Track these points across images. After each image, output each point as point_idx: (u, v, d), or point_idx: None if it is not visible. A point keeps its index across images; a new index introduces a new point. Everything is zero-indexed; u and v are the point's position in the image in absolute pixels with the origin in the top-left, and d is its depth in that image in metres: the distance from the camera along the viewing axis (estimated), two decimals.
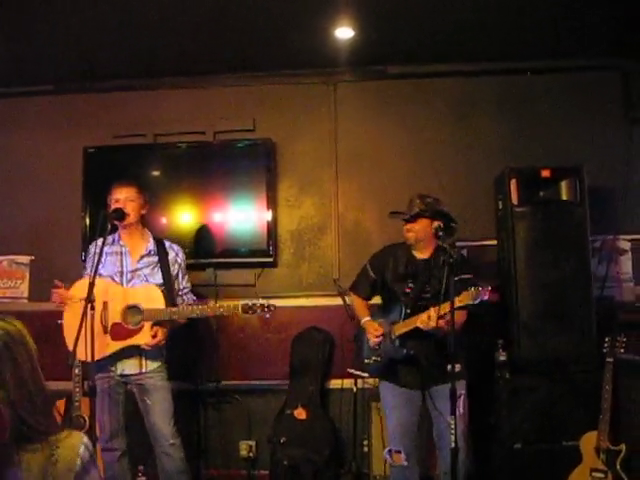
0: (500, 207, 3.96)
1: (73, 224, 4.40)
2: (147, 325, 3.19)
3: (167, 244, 3.45)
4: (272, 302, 3.23)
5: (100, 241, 3.13)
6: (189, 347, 4.06)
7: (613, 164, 4.26)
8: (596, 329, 3.66)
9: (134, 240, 3.39)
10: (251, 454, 4.28)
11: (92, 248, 3.36)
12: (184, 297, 3.44)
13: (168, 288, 3.31)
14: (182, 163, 4.48)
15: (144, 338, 3.19)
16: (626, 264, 4.29)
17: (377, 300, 3.56)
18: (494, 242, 4.13)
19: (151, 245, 3.40)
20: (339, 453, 4.14)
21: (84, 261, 3.63)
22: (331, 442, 4.01)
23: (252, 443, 4.30)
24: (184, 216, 4.39)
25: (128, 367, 3.28)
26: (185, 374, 4.13)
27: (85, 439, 1.37)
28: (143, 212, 3.41)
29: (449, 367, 2.86)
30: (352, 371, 3.66)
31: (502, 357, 3.74)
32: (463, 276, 3.10)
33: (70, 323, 3.15)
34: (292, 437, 3.94)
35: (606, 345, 3.42)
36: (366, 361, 3.36)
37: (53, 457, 1.28)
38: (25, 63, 4.21)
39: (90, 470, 1.34)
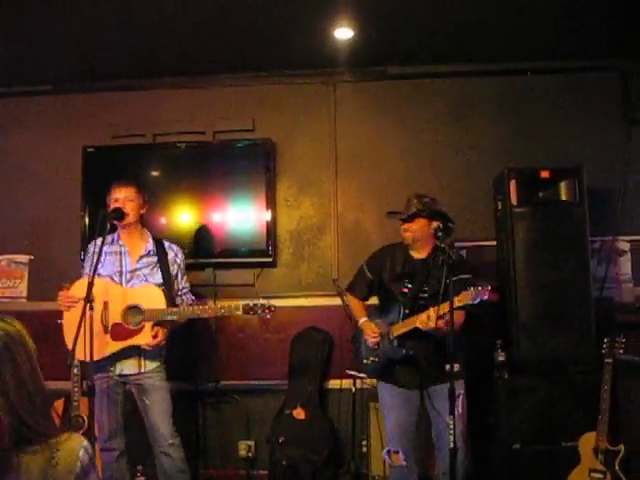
0: (499, 207, 3.96)
1: (72, 224, 4.40)
2: (148, 325, 3.19)
3: (166, 244, 3.45)
4: (271, 302, 3.23)
5: (99, 240, 3.14)
6: (188, 347, 4.07)
7: (612, 165, 4.26)
8: (595, 330, 3.65)
9: (133, 240, 3.39)
10: (250, 454, 4.28)
11: (91, 247, 3.36)
12: (183, 297, 3.44)
13: (168, 288, 3.31)
14: (181, 163, 4.48)
15: (145, 338, 3.19)
16: (625, 265, 4.29)
17: (373, 301, 3.56)
18: (493, 243, 4.13)
19: (150, 245, 3.40)
20: (338, 453, 4.15)
21: (83, 260, 3.63)
22: (330, 442, 4.01)
23: (251, 443, 4.30)
24: (183, 216, 4.39)
25: (127, 367, 3.28)
26: (184, 374, 4.14)
27: (85, 442, 1.37)
28: (142, 212, 3.41)
29: (447, 367, 2.86)
30: (351, 372, 3.67)
31: (501, 357, 3.74)
32: (462, 276, 3.10)
33: (70, 323, 3.15)
34: (291, 437, 3.94)
35: (605, 346, 3.42)
36: (364, 362, 3.36)
37: (53, 460, 1.29)
38: (25, 63, 4.21)
39: (89, 473, 1.35)
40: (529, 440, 3.58)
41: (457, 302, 2.90)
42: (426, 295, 3.22)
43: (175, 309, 3.24)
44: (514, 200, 3.80)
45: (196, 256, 4.23)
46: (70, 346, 2.91)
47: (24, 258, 4.57)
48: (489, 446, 3.71)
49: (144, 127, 4.56)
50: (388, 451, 3.26)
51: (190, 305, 3.37)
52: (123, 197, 3.30)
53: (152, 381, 3.30)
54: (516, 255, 3.76)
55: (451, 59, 4.32)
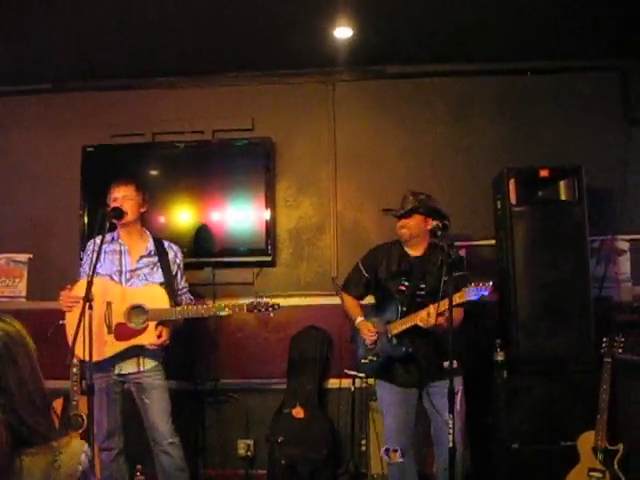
0: (499, 207, 3.96)
1: (71, 223, 4.39)
2: (151, 325, 3.19)
3: (166, 244, 3.45)
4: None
5: (99, 239, 3.12)
6: (188, 346, 4.06)
7: (612, 164, 4.26)
8: (594, 329, 3.66)
9: (133, 239, 3.39)
10: (249, 453, 4.28)
11: (90, 245, 3.32)
12: (182, 297, 3.44)
13: (170, 287, 3.31)
14: (181, 162, 4.48)
15: (149, 338, 3.18)
16: (624, 264, 4.29)
17: (368, 300, 3.57)
18: (493, 242, 4.13)
19: (151, 245, 3.39)
20: (337, 452, 4.15)
21: (82, 259, 3.62)
22: (329, 441, 4.01)
23: (250, 442, 4.30)
24: (182, 215, 4.39)
25: (126, 366, 3.28)
26: (184, 373, 4.15)
27: (86, 447, 1.38)
28: (142, 210, 3.40)
29: (446, 364, 2.87)
30: (349, 372, 3.67)
31: (500, 357, 3.74)
32: (459, 273, 3.12)
33: (72, 323, 3.14)
34: (290, 436, 3.95)
35: (604, 345, 3.43)
36: (362, 361, 3.35)
37: (56, 462, 1.30)
38: (25, 63, 4.21)
39: (89, 477, 1.36)
40: (528, 440, 3.58)
41: (458, 299, 2.91)
42: (423, 292, 3.23)
43: (179, 308, 3.24)
44: (513, 199, 3.81)
45: (195, 255, 4.23)
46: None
47: (23, 257, 4.57)
48: (488, 445, 3.72)
49: (143, 126, 4.56)
50: (387, 449, 3.27)
51: (193, 304, 3.37)
52: (122, 196, 3.30)
53: (151, 380, 3.30)
54: (515, 254, 3.76)
55: (451, 59, 4.32)
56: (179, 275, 3.43)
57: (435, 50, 4.19)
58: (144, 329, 3.19)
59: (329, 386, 4.29)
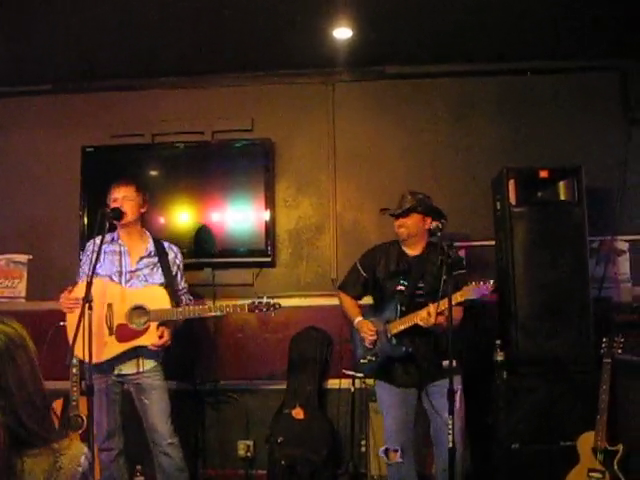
0: (498, 207, 3.96)
1: (71, 223, 4.39)
2: (153, 325, 3.19)
3: (166, 245, 3.45)
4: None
5: (98, 239, 3.11)
6: (187, 347, 4.06)
7: (611, 165, 4.26)
8: (594, 330, 3.66)
9: (133, 240, 3.39)
10: (249, 454, 4.28)
11: (90, 246, 3.31)
12: (182, 297, 3.44)
13: (171, 288, 3.31)
14: (180, 163, 4.47)
15: (150, 339, 3.18)
16: (624, 265, 4.29)
17: (366, 301, 3.57)
18: (492, 242, 4.13)
19: (151, 246, 3.39)
20: (337, 453, 4.15)
21: (81, 259, 3.62)
22: (329, 442, 4.01)
23: (250, 443, 4.30)
24: (182, 216, 4.39)
25: (125, 367, 3.28)
26: (183, 374, 4.14)
27: (85, 449, 1.39)
28: (142, 211, 3.40)
29: (445, 363, 2.87)
30: (348, 372, 3.67)
31: (500, 357, 3.73)
32: (458, 271, 3.12)
33: (73, 325, 3.14)
34: (290, 437, 3.95)
35: (604, 345, 3.43)
36: (361, 361, 3.35)
37: (57, 464, 1.30)
38: (25, 63, 4.21)
39: (88, 479, 1.36)
40: (528, 440, 3.57)
41: (459, 297, 2.91)
42: (422, 292, 3.23)
43: (180, 309, 3.25)
44: (513, 200, 3.80)
45: (195, 256, 4.23)
46: (74, 347, 2.91)
47: (23, 258, 4.57)
48: (488, 446, 3.72)
49: (143, 127, 4.56)
50: (386, 449, 3.27)
51: (193, 305, 3.37)
52: (122, 196, 3.30)
53: (150, 380, 3.30)
54: (515, 255, 3.76)
55: (451, 59, 4.32)
56: (179, 276, 3.44)
57: (435, 50, 4.19)
58: (145, 330, 3.19)
59: (329, 387, 4.29)
